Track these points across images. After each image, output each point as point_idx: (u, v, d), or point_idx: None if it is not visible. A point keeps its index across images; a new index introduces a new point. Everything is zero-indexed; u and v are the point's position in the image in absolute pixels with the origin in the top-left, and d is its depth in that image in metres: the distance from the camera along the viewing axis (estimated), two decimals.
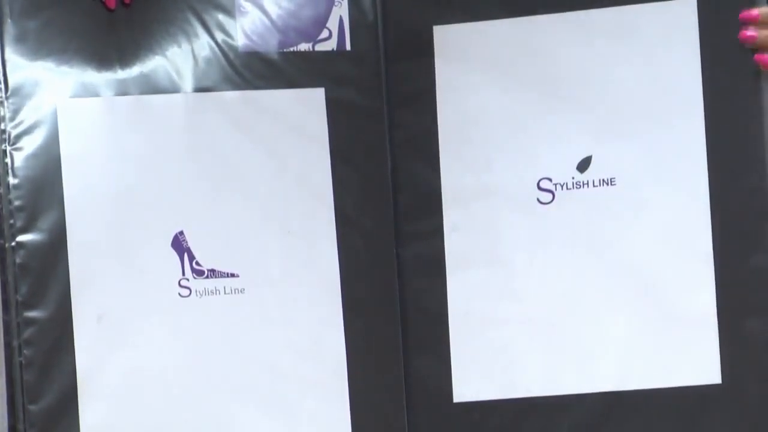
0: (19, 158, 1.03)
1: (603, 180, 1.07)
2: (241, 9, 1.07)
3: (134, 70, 1.06)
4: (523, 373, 1.07)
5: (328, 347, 1.07)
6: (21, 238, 1.03)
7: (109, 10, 1.05)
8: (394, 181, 1.10)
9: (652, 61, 1.06)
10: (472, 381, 1.08)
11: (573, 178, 1.08)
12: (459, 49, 1.09)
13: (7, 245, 1.03)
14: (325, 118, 1.08)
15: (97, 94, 1.05)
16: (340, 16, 1.09)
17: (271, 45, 1.08)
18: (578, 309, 1.07)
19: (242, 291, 1.06)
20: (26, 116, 1.04)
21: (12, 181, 1.03)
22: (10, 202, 1.03)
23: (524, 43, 1.08)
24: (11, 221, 1.03)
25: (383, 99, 1.09)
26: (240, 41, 1.07)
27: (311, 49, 1.08)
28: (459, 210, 1.09)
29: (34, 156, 1.04)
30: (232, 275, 1.06)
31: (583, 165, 1.07)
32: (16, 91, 1.04)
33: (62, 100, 1.04)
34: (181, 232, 1.05)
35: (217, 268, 1.06)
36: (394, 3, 1.10)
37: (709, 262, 1.05)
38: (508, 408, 1.07)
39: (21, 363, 1.02)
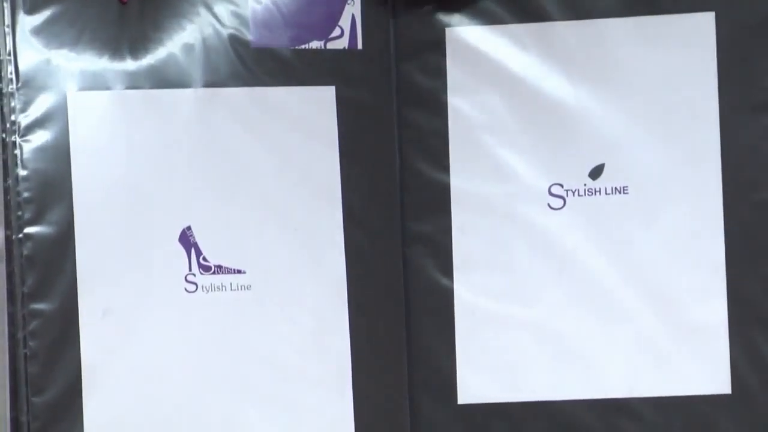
0: (28, 150, 1.03)
1: (615, 188, 1.06)
2: (254, 5, 1.07)
3: (145, 64, 1.05)
4: (528, 376, 1.07)
5: (332, 345, 1.07)
6: (29, 230, 1.03)
7: (122, 3, 1.04)
8: (402, 180, 1.09)
9: (669, 72, 1.05)
10: (477, 382, 1.08)
11: (585, 185, 1.07)
12: (471, 52, 1.08)
13: (14, 237, 1.03)
14: (335, 116, 1.07)
15: (107, 88, 1.04)
16: (353, 15, 1.07)
17: (282, 42, 1.07)
18: (587, 315, 1.06)
19: (248, 288, 1.06)
20: (36, 108, 1.04)
21: (21, 172, 1.03)
22: (18, 193, 1.03)
23: (538, 49, 1.07)
24: (19, 213, 1.03)
25: (393, 99, 1.08)
26: (252, 37, 1.06)
27: (323, 47, 1.07)
28: (467, 212, 1.08)
29: (43, 148, 1.04)
30: (239, 272, 1.06)
31: (596, 172, 1.06)
32: (27, 83, 1.04)
33: (72, 92, 1.04)
34: (189, 228, 1.05)
35: (223, 264, 1.06)
36: (407, 3, 1.08)
37: (721, 272, 1.04)
38: (513, 410, 1.07)
39: (26, 355, 1.02)
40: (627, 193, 1.06)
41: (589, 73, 1.06)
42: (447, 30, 1.08)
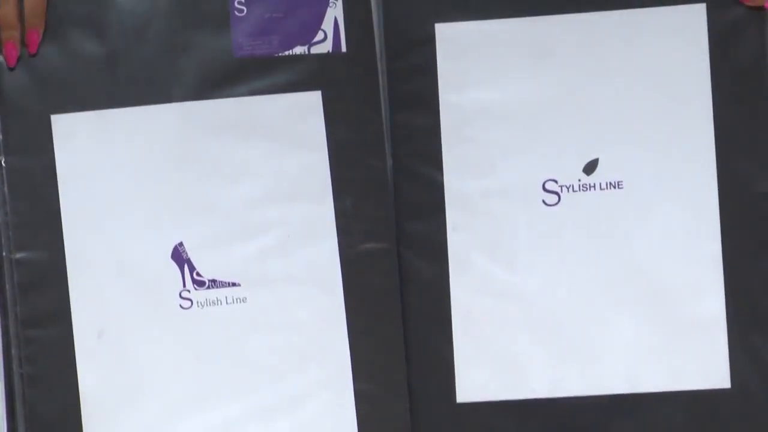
0: (14, 173, 1.02)
1: (610, 183, 1.05)
2: (235, 14, 1.04)
3: (128, 81, 1.03)
4: (527, 374, 1.07)
5: (331, 350, 1.06)
6: (19, 255, 1.02)
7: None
8: (396, 181, 1.07)
9: (661, 65, 1.04)
10: (476, 381, 1.07)
11: (579, 180, 1.05)
12: (462, 48, 1.06)
13: (4, 263, 1.02)
14: (323, 121, 1.05)
15: (91, 107, 1.03)
16: (335, 18, 1.05)
17: (265, 49, 1.05)
18: (584, 311, 1.06)
19: (244, 300, 1.05)
20: (21, 130, 1.02)
21: (8, 196, 1.02)
22: (6, 219, 1.02)
23: (529, 44, 1.05)
24: (8, 238, 1.02)
25: (380, 99, 1.06)
26: (234, 47, 1.04)
27: (307, 52, 1.05)
28: (462, 210, 1.07)
29: (29, 171, 1.02)
30: (234, 284, 1.05)
31: (590, 167, 1.05)
32: (11, 105, 1.02)
33: (57, 113, 1.02)
34: (181, 243, 1.04)
35: (218, 278, 1.05)
36: (393, 2, 1.06)
37: (718, 266, 1.04)
38: (512, 409, 1.07)
39: (23, 378, 1.02)
40: (621, 188, 1.05)
41: (581, 67, 1.05)
42: (437, 26, 1.06)
